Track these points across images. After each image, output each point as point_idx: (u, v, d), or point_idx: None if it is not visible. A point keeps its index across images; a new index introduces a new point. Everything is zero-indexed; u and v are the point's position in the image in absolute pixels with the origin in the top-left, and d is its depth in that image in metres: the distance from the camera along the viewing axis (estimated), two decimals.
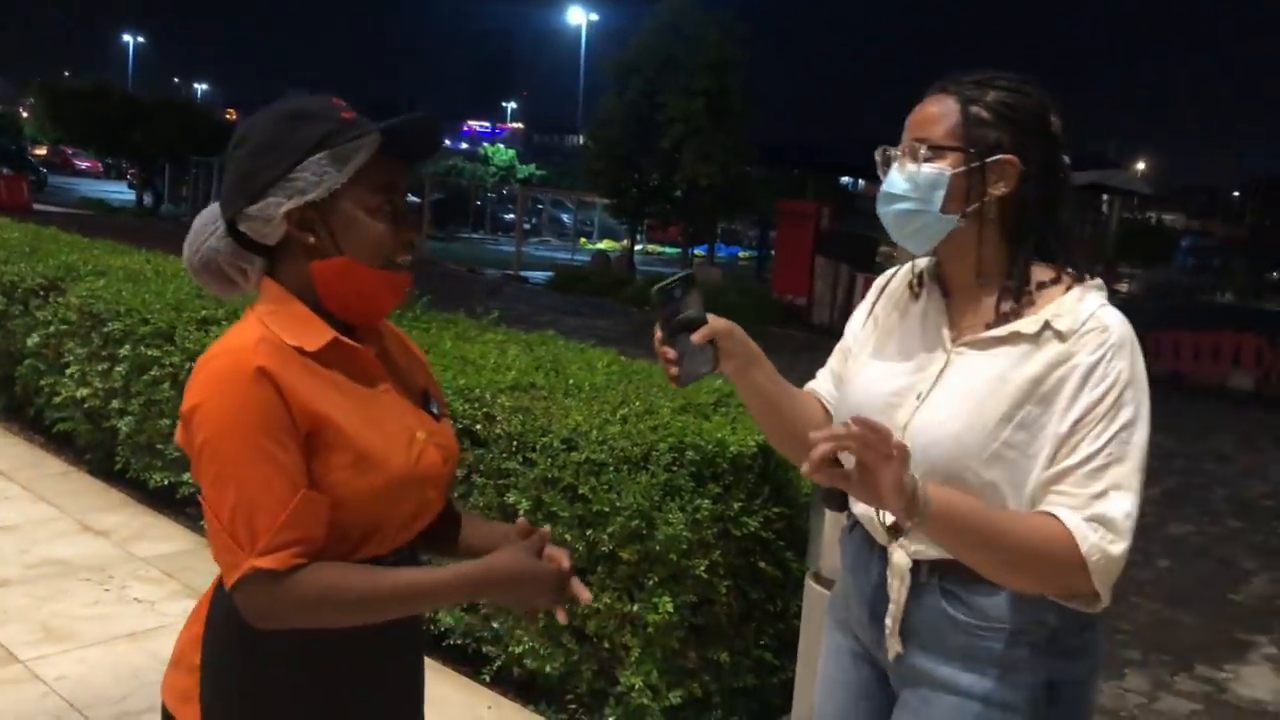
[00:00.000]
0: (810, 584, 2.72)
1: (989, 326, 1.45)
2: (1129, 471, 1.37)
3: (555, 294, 17.04)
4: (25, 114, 38.51)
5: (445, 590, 1.32)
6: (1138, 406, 1.38)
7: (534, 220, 32.88)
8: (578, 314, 14.41)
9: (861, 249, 14.61)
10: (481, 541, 1.50)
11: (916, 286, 1.57)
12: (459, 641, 3.34)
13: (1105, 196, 16.67)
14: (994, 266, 1.47)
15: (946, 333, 1.50)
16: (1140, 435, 1.38)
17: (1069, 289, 1.45)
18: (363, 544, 1.33)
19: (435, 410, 1.47)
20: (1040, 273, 1.47)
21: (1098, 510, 1.36)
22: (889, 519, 1.50)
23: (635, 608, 2.83)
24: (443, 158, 41.37)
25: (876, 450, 1.22)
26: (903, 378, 1.51)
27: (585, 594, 1.39)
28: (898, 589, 1.50)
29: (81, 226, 8.21)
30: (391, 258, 1.35)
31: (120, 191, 33.32)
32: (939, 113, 1.46)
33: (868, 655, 1.59)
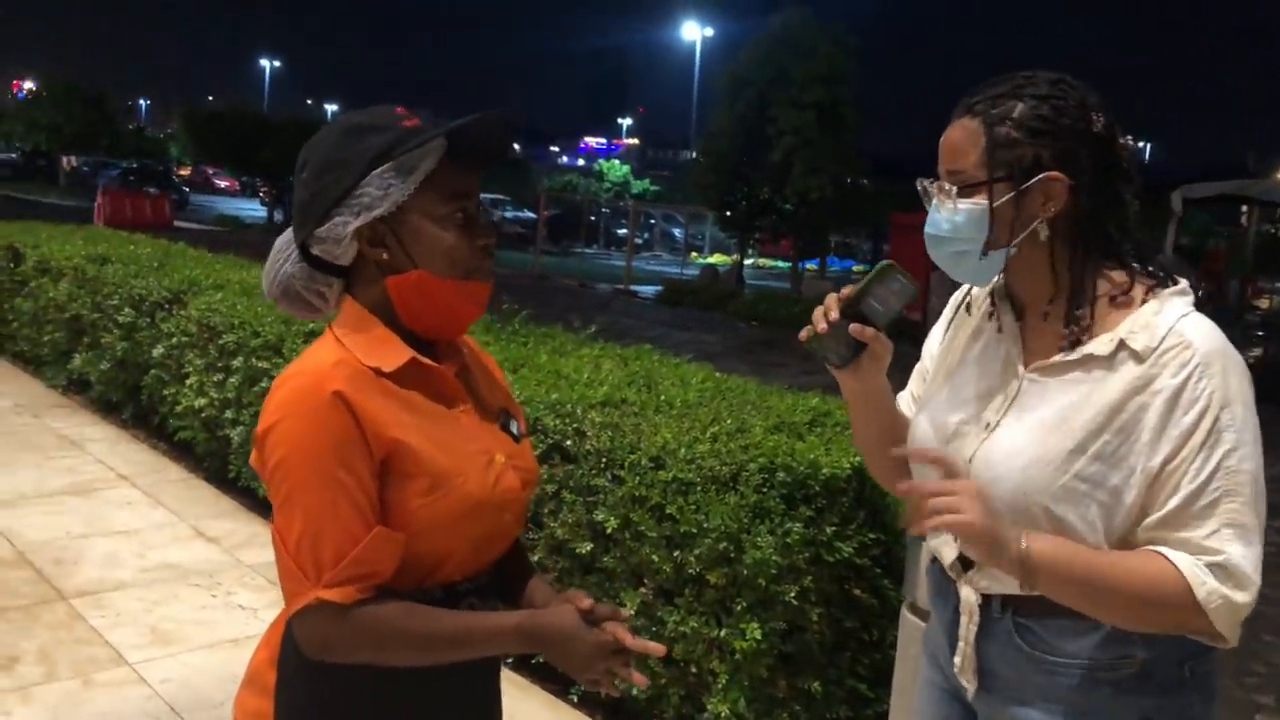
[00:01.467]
0: (905, 614, 2.60)
1: (1061, 350, 1.34)
2: (1243, 506, 1.24)
3: (663, 308, 17.05)
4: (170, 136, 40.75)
5: (500, 637, 1.28)
6: (1241, 429, 1.25)
7: (646, 235, 33.08)
8: (685, 328, 14.37)
9: None
10: (544, 603, 1.42)
11: (990, 307, 1.46)
12: (547, 660, 3.32)
13: (1244, 208, 15.75)
14: (1066, 285, 1.35)
15: (1018, 358, 1.39)
16: (1251, 463, 1.25)
17: (1146, 299, 1.32)
18: (438, 568, 1.30)
19: (515, 431, 1.43)
20: (1115, 283, 1.34)
21: (1213, 555, 1.24)
22: (949, 551, 1.40)
23: (723, 633, 2.76)
24: (558, 174, 41.96)
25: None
26: (971, 406, 1.41)
27: (640, 679, 1.30)
28: (965, 625, 1.41)
29: (213, 242, 8.59)
30: (469, 267, 1.31)
31: (254, 209, 34.87)
32: (965, 140, 1.34)
33: (955, 692, 1.49)
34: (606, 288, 18.72)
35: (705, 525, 2.71)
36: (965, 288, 1.54)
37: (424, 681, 1.31)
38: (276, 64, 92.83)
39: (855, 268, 30.36)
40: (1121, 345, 1.29)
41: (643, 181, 46.48)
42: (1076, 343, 1.32)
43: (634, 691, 3.02)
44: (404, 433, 1.25)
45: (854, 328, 1.38)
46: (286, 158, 28.59)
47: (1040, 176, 1.30)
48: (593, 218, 32.42)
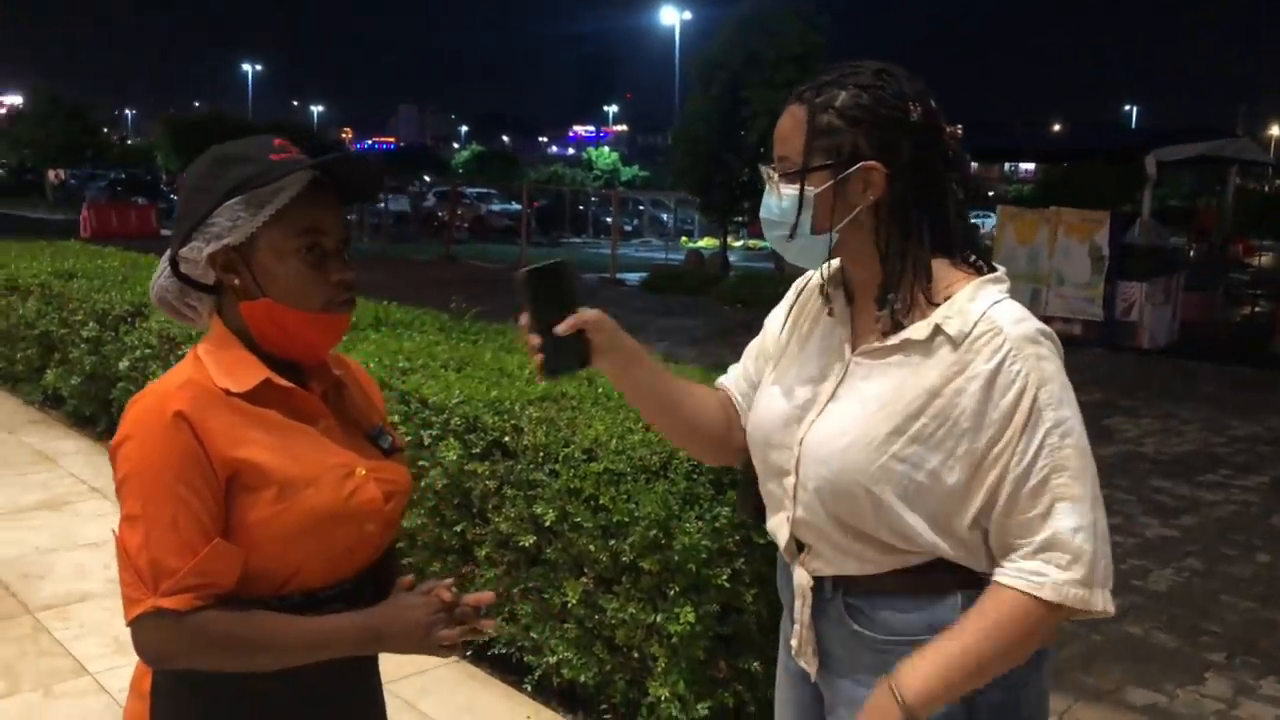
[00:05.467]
0: None
1: (885, 335, 1.38)
2: (1070, 479, 1.28)
3: (649, 295, 17.06)
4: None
5: (338, 636, 1.34)
6: (1059, 405, 1.29)
7: (635, 221, 33.06)
8: (669, 314, 14.40)
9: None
10: None
11: (827, 290, 1.49)
12: (503, 651, 3.38)
13: (1235, 168, 15.74)
14: (882, 270, 1.39)
15: (846, 341, 1.44)
16: (1074, 438, 1.29)
17: (961, 286, 1.36)
18: (294, 576, 1.35)
19: (385, 445, 1.48)
20: (942, 270, 1.38)
21: (1044, 534, 1.28)
22: (784, 534, 1.46)
23: (659, 618, 2.82)
24: (546, 164, 41.88)
25: None
26: (806, 390, 1.45)
27: (487, 623, 1.41)
28: (800, 608, 1.46)
29: None
30: (321, 300, 1.36)
31: None
32: (791, 127, 1.38)
33: (803, 674, 1.54)
34: (593, 277, 18.75)
35: (636, 514, 2.77)
36: (808, 275, 1.58)
37: (294, 684, 1.36)
38: (259, 68, 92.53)
39: None
40: (937, 330, 1.33)
41: (631, 168, 46.46)
42: (895, 327, 1.36)
43: (582, 678, 3.09)
44: (249, 450, 1.31)
45: (559, 327, 1.38)
46: None
47: (859, 165, 1.34)
48: (580, 207, 32.45)
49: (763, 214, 1.44)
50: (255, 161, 1.34)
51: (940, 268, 1.38)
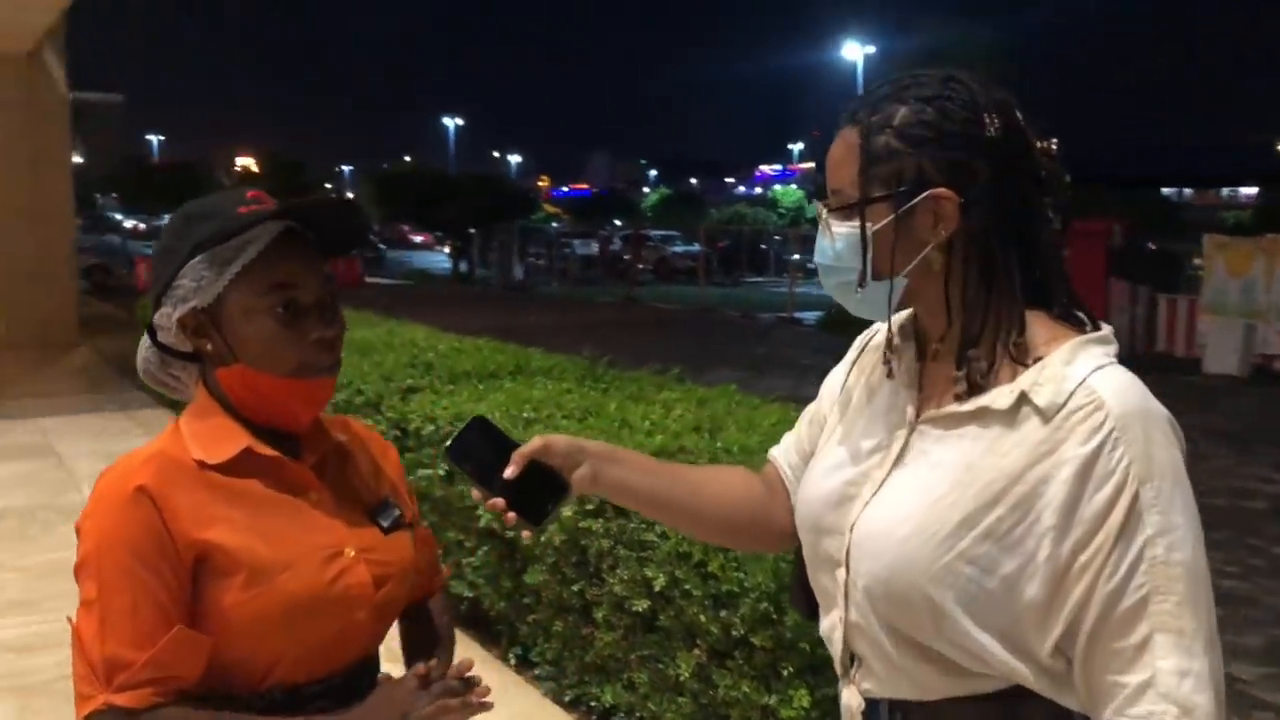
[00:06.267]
0: None
1: (958, 398, 1.12)
2: (1177, 607, 0.99)
3: (826, 335, 16.60)
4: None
5: None
6: (1168, 509, 1.00)
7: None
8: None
9: (1164, 267, 13.08)
10: None
11: (895, 344, 1.22)
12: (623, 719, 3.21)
13: None
14: (959, 320, 1.14)
15: (911, 404, 1.18)
16: (1183, 552, 1.00)
17: (1058, 345, 1.09)
18: (272, 669, 1.23)
19: (385, 523, 1.35)
20: (1038, 324, 1.12)
21: (1141, 675, 0.99)
22: (838, 640, 1.21)
23: (773, 699, 2.56)
24: (729, 204, 42.06)
25: None
26: (861, 464, 1.20)
27: (480, 692, 1.25)
28: None
29: (396, 296, 8.99)
30: (298, 362, 1.25)
31: (444, 261, 36.66)
32: (843, 153, 1.15)
33: None
34: (770, 317, 18.44)
35: (746, 584, 2.54)
36: (874, 328, 1.34)
37: None
38: (459, 121, 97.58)
39: None
40: (1023, 399, 1.07)
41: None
42: (973, 391, 1.11)
43: None
44: (216, 531, 1.20)
45: (507, 473, 1.24)
46: (466, 211, 30.18)
47: (925, 194, 1.10)
48: (762, 246, 32.22)
49: (816, 259, 1.21)
50: (221, 216, 1.25)
51: (1036, 321, 1.12)
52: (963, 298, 1.13)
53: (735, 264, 30.96)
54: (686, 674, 2.80)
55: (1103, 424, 1.02)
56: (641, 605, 2.94)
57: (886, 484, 1.15)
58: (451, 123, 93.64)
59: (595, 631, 3.26)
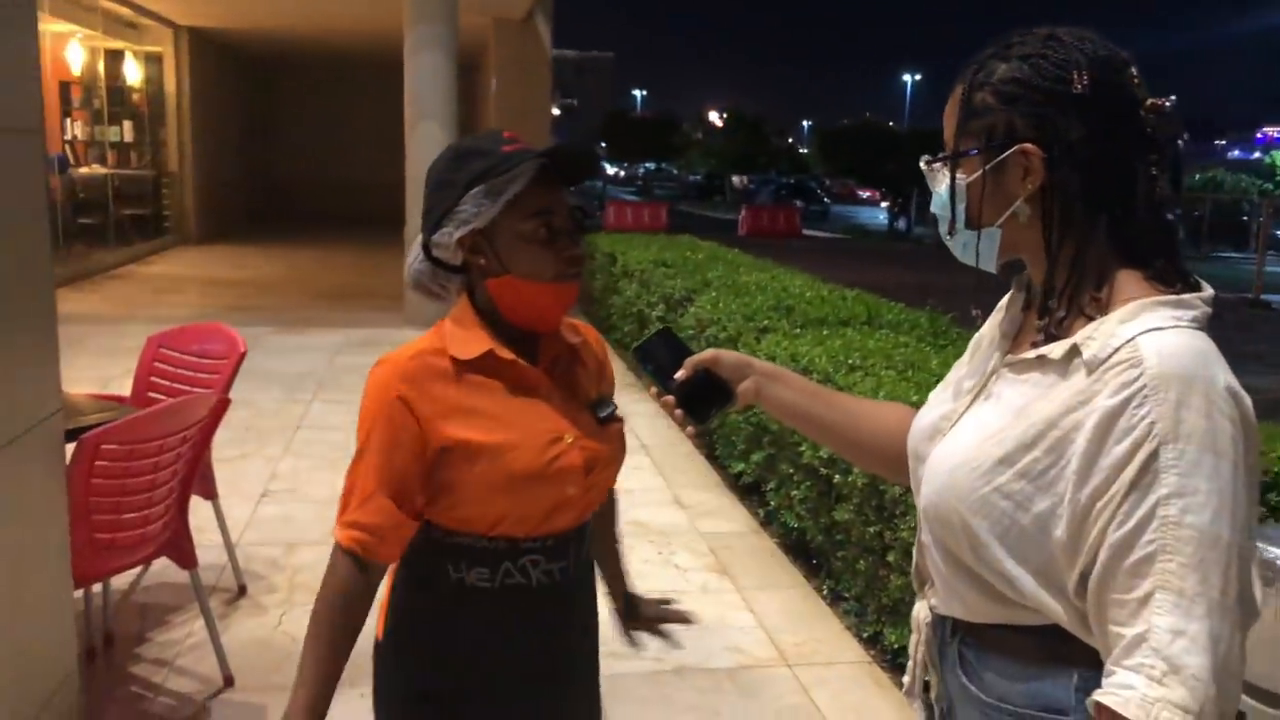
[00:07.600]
0: None
1: (1034, 346, 1.18)
2: (1181, 568, 1.00)
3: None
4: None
5: (302, 682, 1.45)
6: (1190, 474, 1.01)
7: None
8: None
9: None
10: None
11: (990, 290, 1.31)
12: (905, 662, 3.32)
13: None
14: (1043, 273, 1.20)
15: (1000, 351, 1.26)
16: (1200, 516, 1.00)
17: (1127, 302, 1.12)
18: (499, 523, 1.52)
19: (602, 415, 1.60)
20: (1128, 283, 1.14)
21: (1137, 628, 1.02)
22: (915, 564, 1.33)
23: None
24: (1203, 169, 37.13)
25: None
26: (957, 401, 1.29)
27: None
28: (914, 643, 1.31)
29: (828, 249, 9.42)
30: (553, 272, 1.52)
31: (882, 217, 36.51)
32: (951, 108, 1.23)
33: None
34: (1230, 297, 16.19)
35: None
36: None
37: (506, 607, 1.52)
38: (917, 77, 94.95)
39: None
40: (1075, 351, 1.12)
41: None
42: (1048, 340, 1.17)
43: None
44: (460, 425, 1.47)
45: (679, 374, 1.44)
46: (907, 168, 29.68)
47: (1014, 149, 1.17)
48: (1244, 218, 28.17)
49: (932, 208, 1.34)
50: (490, 155, 1.51)
51: (1126, 279, 1.15)
52: (1044, 249, 1.19)
53: (1212, 235, 27.44)
54: None
55: (1134, 380, 1.04)
56: None
57: (961, 419, 1.25)
58: (910, 79, 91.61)
59: (890, 575, 3.39)
